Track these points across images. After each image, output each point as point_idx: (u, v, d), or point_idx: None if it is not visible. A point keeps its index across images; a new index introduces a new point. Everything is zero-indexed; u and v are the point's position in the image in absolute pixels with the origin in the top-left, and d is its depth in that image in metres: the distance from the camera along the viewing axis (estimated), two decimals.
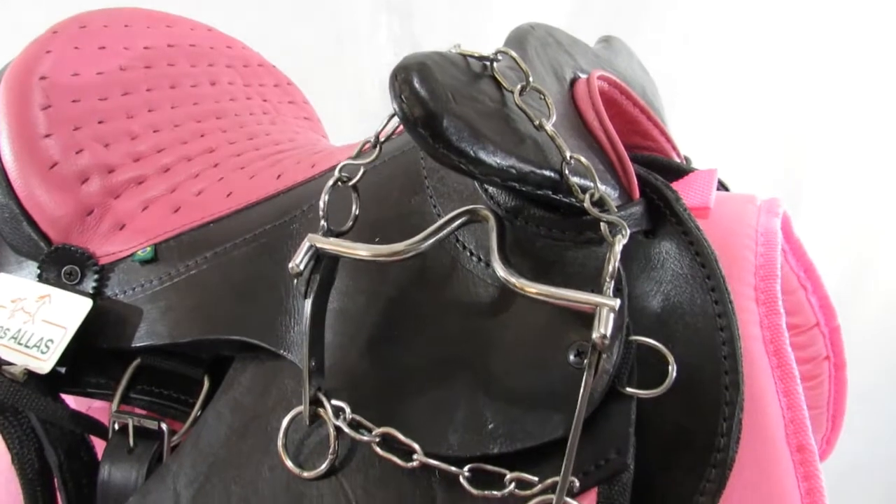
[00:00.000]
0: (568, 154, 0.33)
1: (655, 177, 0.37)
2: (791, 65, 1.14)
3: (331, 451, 0.34)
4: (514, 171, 0.32)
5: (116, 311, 0.44)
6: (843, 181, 1.17)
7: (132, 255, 0.45)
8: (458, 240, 0.37)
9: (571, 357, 0.32)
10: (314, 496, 0.34)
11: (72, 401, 0.44)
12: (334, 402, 0.35)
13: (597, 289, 0.31)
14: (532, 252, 0.35)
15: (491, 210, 0.36)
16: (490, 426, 0.32)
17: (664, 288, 0.34)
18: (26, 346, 0.42)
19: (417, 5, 1.14)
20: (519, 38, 0.38)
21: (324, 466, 0.34)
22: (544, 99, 0.35)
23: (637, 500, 0.31)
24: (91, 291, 0.44)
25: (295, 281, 0.37)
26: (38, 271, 0.45)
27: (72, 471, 0.42)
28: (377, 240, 0.37)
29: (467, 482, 0.31)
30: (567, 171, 0.33)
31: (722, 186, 0.46)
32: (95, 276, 0.44)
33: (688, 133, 0.57)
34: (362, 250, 0.35)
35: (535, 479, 0.31)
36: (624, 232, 0.32)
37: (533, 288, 0.32)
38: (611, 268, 0.31)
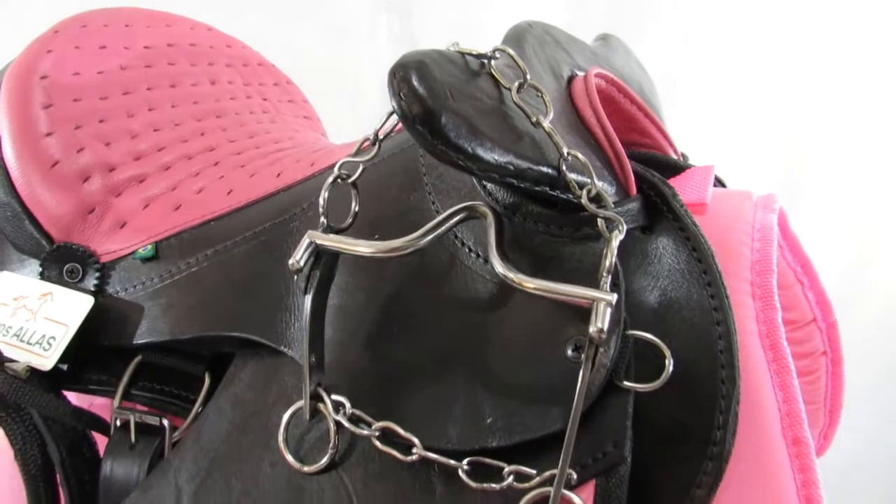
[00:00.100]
0: (565, 150, 0.33)
1: (652, 173, 0.37)
2: (791, 64, 1.14)
3: (331, 445, 0.35)
4: (511, 167, 0.32)
5: (118, 309, 0.44)
6: (843, 181, 1.17)
7: (133, 252, 0.45)
8: (456, 236, 0.37)
9: (569, 351, 0.32)
10: (314, 490, 0.34)
11: (74, 398, 0.44)
12: (334, 397, 0.35)
13: (594, 284, 0.32)
14: (530, 248, 0.35)
15: (489, 206, 0.36)
16: (489, 420, 0.32)
17: (661, 283, 0.35)
18: (29, 344, 0.42)
19: (417, 5, 1.14)
20: (517, 37, 0.39)
21: (324, 461, 0.35)
22: (542, 96, 0.35)
23: (634, 493, 0.31)
24: (92, 289, 0.44)
25: (295, 277, 0.38)
26: (40, 269, 0.45)
27: (74, 467, 0.42)
28: (376, 236, 0.37)
29: (466, 475, 0.32)
30: (564, 168, 0.33)
31: (719, 183, 0.46)
32: (97, 274, 0.45)
33: (688, 133, 0.58)
34: (362, 247, 0.35)
35: (534, 471, 0.31)
36: (621, 228, 0.32)
37: (531, 283, 0.32)
38: (608, 263, 0.32)
